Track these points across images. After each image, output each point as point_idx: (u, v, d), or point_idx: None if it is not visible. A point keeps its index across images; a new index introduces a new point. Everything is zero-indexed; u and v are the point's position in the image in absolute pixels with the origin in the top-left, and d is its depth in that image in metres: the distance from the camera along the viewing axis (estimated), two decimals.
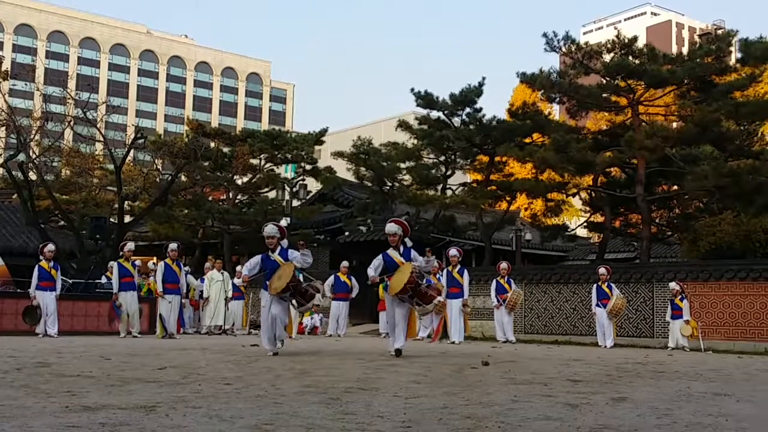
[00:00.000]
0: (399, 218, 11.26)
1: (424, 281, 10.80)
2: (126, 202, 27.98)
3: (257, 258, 10.73)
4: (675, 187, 26.18)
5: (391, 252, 10.57)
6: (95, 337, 15.96)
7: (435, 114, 28.28)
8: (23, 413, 4.74)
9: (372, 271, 10.53)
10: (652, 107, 25.23)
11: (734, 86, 23.35)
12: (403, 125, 28.96)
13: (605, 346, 16.42)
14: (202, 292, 20.08)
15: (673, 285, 17.18)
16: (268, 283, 10.38)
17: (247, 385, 6.71)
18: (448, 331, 17.24)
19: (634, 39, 24.31)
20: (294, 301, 10.67)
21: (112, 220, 28.70)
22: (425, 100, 27.25)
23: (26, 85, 26.74)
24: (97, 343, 13.40)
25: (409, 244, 10.61)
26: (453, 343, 16.19)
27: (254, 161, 32.43)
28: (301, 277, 10.99)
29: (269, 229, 10.67)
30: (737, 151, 23.97)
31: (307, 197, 33.07)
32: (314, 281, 11.40)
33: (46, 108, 26.28)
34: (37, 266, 16.22)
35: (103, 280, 19.74)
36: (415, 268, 10.24)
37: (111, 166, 28.76)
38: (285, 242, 10.73)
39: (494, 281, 18.22)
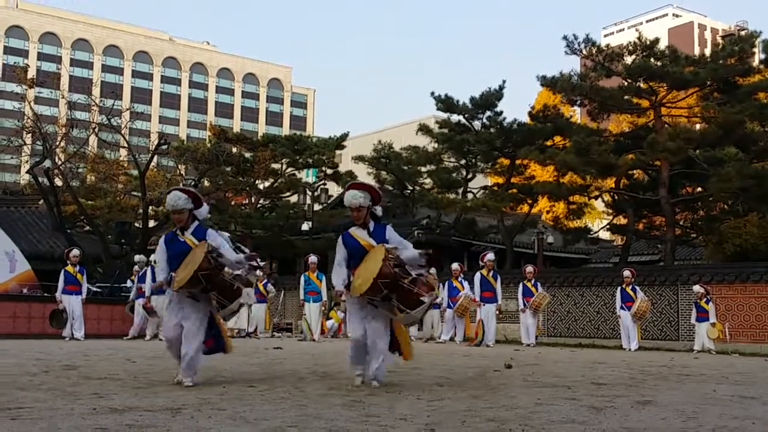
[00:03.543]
0: (363, 183, 7.59)
1: (412, 274, 6.76)
2: (150, 207, 28.23)
3: (160, 242, 7.24)
4: (699, 189, 25.95)
5: (354, 231, 7.06)
6: (121, 340, 16.12)
7: (455, 118, 28.28)
8: (51, 415, 4.81)
9: (337, 278, 7.10)
10: (674, 109, 25.07)
11: (758, 87, 23.12)
12: (423, 129, 28.99)
13: (629, 349, 16.32)
14: None
15: (697, 288, 17.04)
16: (173, 275, 6.92)
17: (270, 387, 6.76)
18: (473, 333, 17.27)
19: (656, 41, 24.17)
20: (214, 302, 7.00)
21: (136, 224, 28.96)
22: (446, 103, 27.25)
23: (51, 92, 27.06)
24: (122, 346, 13.55)
25: (379, 212, 7.17)
26: (488, 346, 16.22)
27: (276, 166, 32.64)
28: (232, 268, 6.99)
29: (172, 197, 7.04)
30: (762, 152, 23.72)
31: (329, 201, 33.19)
32: (248, 270, 7.10)
33: (71, 115, 26.57)
34: (63, 271, 16.45)
35: (128, 284, 19.93)
36: (391, 252, 6.70)
37: (135, 172, 29.04)
38: (204, 210, 7.20)
39: (521, 284, 18.19)
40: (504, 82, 27.08)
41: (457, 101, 27.25)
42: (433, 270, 7.46)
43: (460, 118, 28.11)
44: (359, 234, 7.03)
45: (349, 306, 7.23)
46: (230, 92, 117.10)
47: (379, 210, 7.15)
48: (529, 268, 18.41)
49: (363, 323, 6.92)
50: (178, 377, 6.87)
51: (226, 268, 6.87)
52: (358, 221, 7.02)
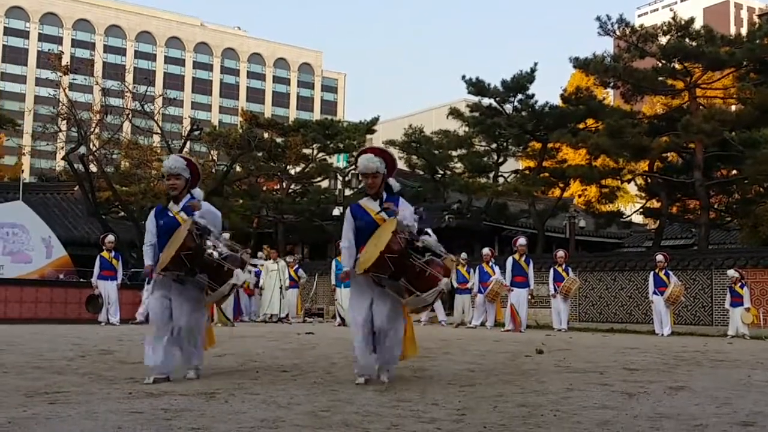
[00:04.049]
0: (379, 147, 6.70)
1: (426, 256, 5.94)
2: None
3: (150, 215, 6.56)
4: (734, 172, 25.56)
5: (365, 203, 6.22)
6: None
7: (486, 101, 28.12)
8: (88, 399, 4.90)
9: (348, 257, 6.18)
10: (709, 90, 24.69)
11: None
12: (454, 113, 28.86)
13: (662, 335, 16.17)
14: (258, 281, 20.35)
15: (731, 272, 16.82)
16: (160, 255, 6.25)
17: (303, 372, 6.82)
18: (504, 319, 17.26)
19: (691, 20, 23.80)
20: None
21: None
22: (476, 87, 27.09)
23: (85, 79, 27.26)
24: None
25: (396, 187, 6.22)
26: (508, 331, 16.23)
27: (307, 151, 32.73)
28: (219, 247, 6.26)
29: (172, 159, 6.49)
30: None
31: (359, 186, 33.24)
32: (239, 250, 6.40)
33: (105, 101, 26.83)
34: (98, 256, 16.69)
35: None
36: (401, 225, 5.82)
37: None
38: (199, 193, 6.48)
39: (552, 269, 18.09)
40: (536, 64, 26.85)
41: (488, 84, 27.08)
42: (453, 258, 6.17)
43: (491, 101, 27.94)
44: (370, 206, 6.12)
45: (351, 287, 6.22)
46: (261, 77, 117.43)
47: (394, 182, 6.23)
48: (560, 253, 18.31)
49: (366, 306, 5.97)
50: (152, 375, 5.93)
51: (213, 247, 6.17)
52: (372, 190, 6.12)
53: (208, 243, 6.18)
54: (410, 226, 5.86)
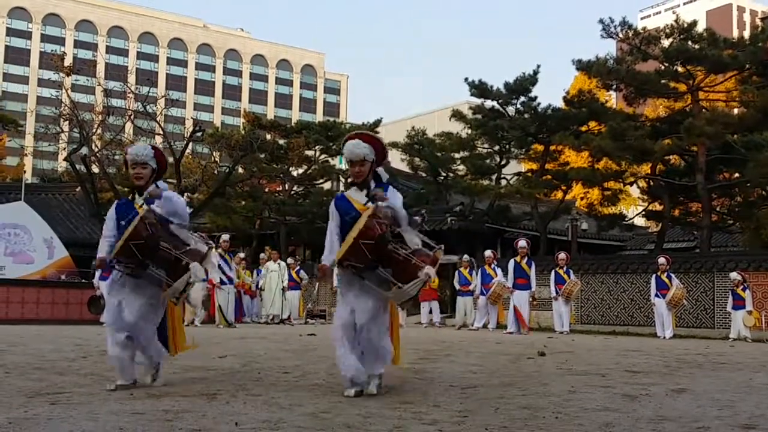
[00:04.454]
0: (367, 133, 5.94)
1: (412, 244, 5.34)
2: (185, 194, 28.52)
3: (111, 208, 6.08)
4: (737, 175, 25.51)
5: (350, 194, 5.69)
6: None
7: (489, 103, 28.08)
8: (89, 400, 4.90)
9: (326, 248, 5.64)
10: (712, 93, 24.65)
11: None
12: (456, 115, 28.85)
13: (664, 337, 16.18)
14: (258, 282, 20.37)
15: (734, 275, 16.82)
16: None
17: (304, 373, 6.82)
18: (507, 321, 17.27)
19: (694, 23, 23.76)
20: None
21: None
22: (479, 89, 27.08)
23: (88, 80, 27.38)
24: None
25: (385, 177, 5.75)
26: (510, 333, 16.23)
27: (309, 153, 32.73)
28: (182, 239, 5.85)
29: (138, 147, 6.07)
30: None
31: None
32: (198, 241, 5.89)
33: (107, 102, 26.88)
34: None
35: None
36: (381, 211, 5.29)
37: (170, 159, 29.29)
38: (164, 185, 6.06)
39: (553, 272, 18.09)
40: (538, 66, 26.82)
41: (491, 87, 27.06)
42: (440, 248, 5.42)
43: (494, 103, 27.92)
44: (355, 197, 5.59)
45: (340, 287, 5.74)
46: (264, 79, 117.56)
47: (383, 171, 5.73)
48: (562, 255, 18.32)
49: (349, 310, 5.44)
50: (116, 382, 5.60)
51: (173, 239, 5.68)
52: (359, 178, 5.60)
53: (172, 234, 5.67)
54: (395, 211, 5.34)
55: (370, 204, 5.36)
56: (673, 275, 17.03)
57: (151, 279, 5.67)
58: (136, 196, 5.88)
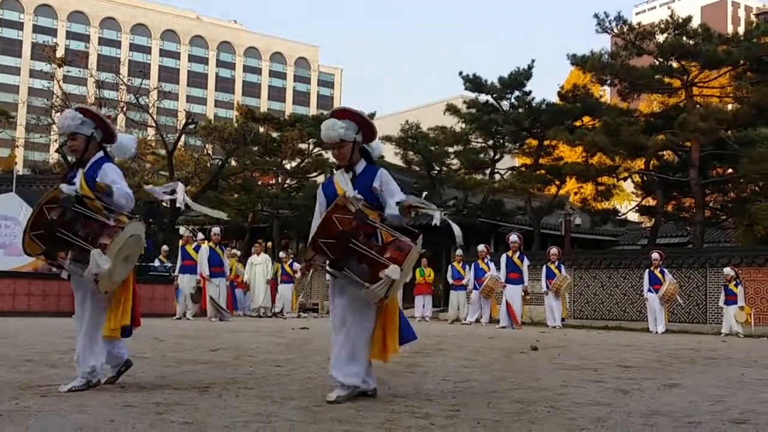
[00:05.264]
0: (347, 108, 5.23)
1: (394, 237, 4.81)
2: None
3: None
4: (730, 171, 25.62)
5: (337, 178, 5.14)
6: (148, 319, 16.29)
7: (483, 97, 28.11)
8: (81, 393, 4.87)
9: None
10: (706, 89, 24.72)
11: None
12: (451, 109, 28.84)
13: (656, 332, 16.22)
14: (244, 275, 20.37)
15: (727, 270, 16.87)
16: None
17: (297, 367, 6.80)
18: (500, 315, 17.29)
19: (689, 19, 23.83)
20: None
21: (164, 204, 29.21)
22: (473, 83, 27.08)
23: (80, 71, 27.27)
24: (150, 324, 13.68)
25: (377, 152, 5.25)
26: (503, 327, 16.24)
27: (303, 146, 32.70)
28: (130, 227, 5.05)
29: (63, 116, 5.31)
30: None
31: None
32: (116, 225, 5.04)
33: (99, 94, 26.78)
34: None
35: (156, 263, 20.12)
36: (350, 201, 4.75)
37: (163, 151, 29.25)
38: (125, 143, 5.52)
39: (544, 267, 18.12)
40: (533, 61, 26.87)
41: (486, 81, 27.08)
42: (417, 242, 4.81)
43: (489, 98, 27.93)
44: (340, 180, 5.06)
45: (329, 285, 5.26)
46: (257, 71, 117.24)
47: (376, 147, 5.22)
48: (553, 250, 18.35)
49: (333, 295, 5.06)
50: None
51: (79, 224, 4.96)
52: (342, 161, 5.07)
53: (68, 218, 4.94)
54: (362, 200, 4.75)
55: (351, 189, 4.86)
56: (666, 270, 17.07)
57: (71, 271, 5.08)
58: (79, 170, 5.19)
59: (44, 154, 53.31)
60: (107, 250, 4.78)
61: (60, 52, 27.16)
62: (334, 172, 5.22)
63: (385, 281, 4.62)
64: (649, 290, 16.83)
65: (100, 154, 5.28)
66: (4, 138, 37.12)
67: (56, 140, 28.94)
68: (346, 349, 4.86)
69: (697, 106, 23.60)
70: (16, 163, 38.56)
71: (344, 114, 5.11)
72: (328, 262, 4.86)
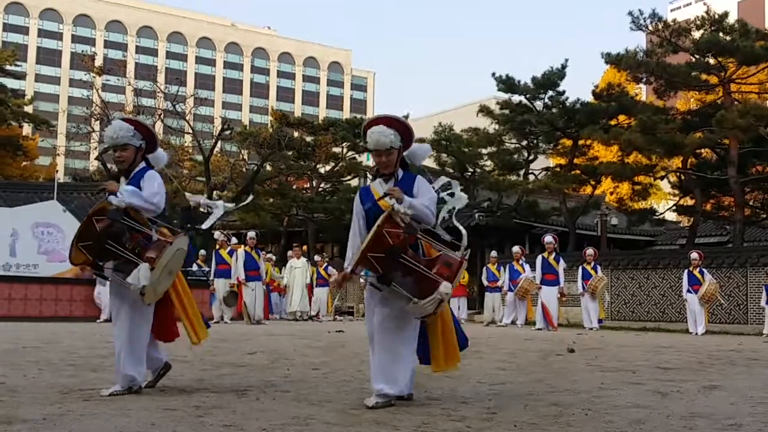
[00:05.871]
0: (392, 116, 5.06)
1: (438, 251, 4.81)
2: (214, 192, 28.75)
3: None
4: None
5: (375, 186, 5.06)
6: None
7: (517, 98, 28.00)
8: (122, 397, 4.95)
9: (348, 251, 5.06)
10: (744, 85, 24.37)
11: None
12: (484, 110, 28.77)
13: (696, 333, 16.00)
14: (284, 279, 20.47)
15: None
16: None
17: (333, 369, 6.84)
18: (535, 317, 17.19)
19: (725, 15, 23.50)
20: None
21: (201, 209, 29.52)
22: (506, 84, 26.99)
23: (118, 80, 27.70)
24: None
25: (418, 162, 5.22)
26: (539, 329, 16.14)
27: (336, 150, 32.85)
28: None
29: (112, 127, 5.31)
30: None
31: None
32: (159, 237, 5.27)
33: (137, 101, 27.17)
34: None
35: (194, 267, 20.32)
36: (398, 215, 4.57)
37: (200, 157, 29.56)
38: (161, 156, 5.64)
39: (581, 268, 17.98)
40: (566, 60, 26.75)
41: (519, 81, 26.97)
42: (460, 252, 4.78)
43: (522, 98, 27.81)
44: (378, 189, 4.93)
45: (365, 292, 5.16)
46: (291, 76, 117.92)
47: (420, 152, 5.14)
48: (589, 251, 18.20)
49: (371, 310, 4.96)
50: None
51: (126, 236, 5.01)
52: (387, 170, 4.94)
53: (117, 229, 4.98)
54: (416, 211, 4.65)
55: (387, 200, 4.68)
56: (705, 270, 16.83)
57: (115, 280, 5.15)
58: (123, 180, 5.25)
59: (84, 162, 54.20)
60: (155, 264, 4.87)
61: (98, 62, 27.63)
62: (369, 179, 5.14)
63: (437, 297, 4.54)
64: (689, 291, 16.61)
65: (143, 164, 5.36)
66: (45, 147, 37.82)
67: (96, 148, 29.40)
68: (387, 358, 4.76)
69: (736, 102, 23.28)
70: (57, 171, 39.23)
71: (389, 121, 4.98)
72: (375, 276, 4.76)
